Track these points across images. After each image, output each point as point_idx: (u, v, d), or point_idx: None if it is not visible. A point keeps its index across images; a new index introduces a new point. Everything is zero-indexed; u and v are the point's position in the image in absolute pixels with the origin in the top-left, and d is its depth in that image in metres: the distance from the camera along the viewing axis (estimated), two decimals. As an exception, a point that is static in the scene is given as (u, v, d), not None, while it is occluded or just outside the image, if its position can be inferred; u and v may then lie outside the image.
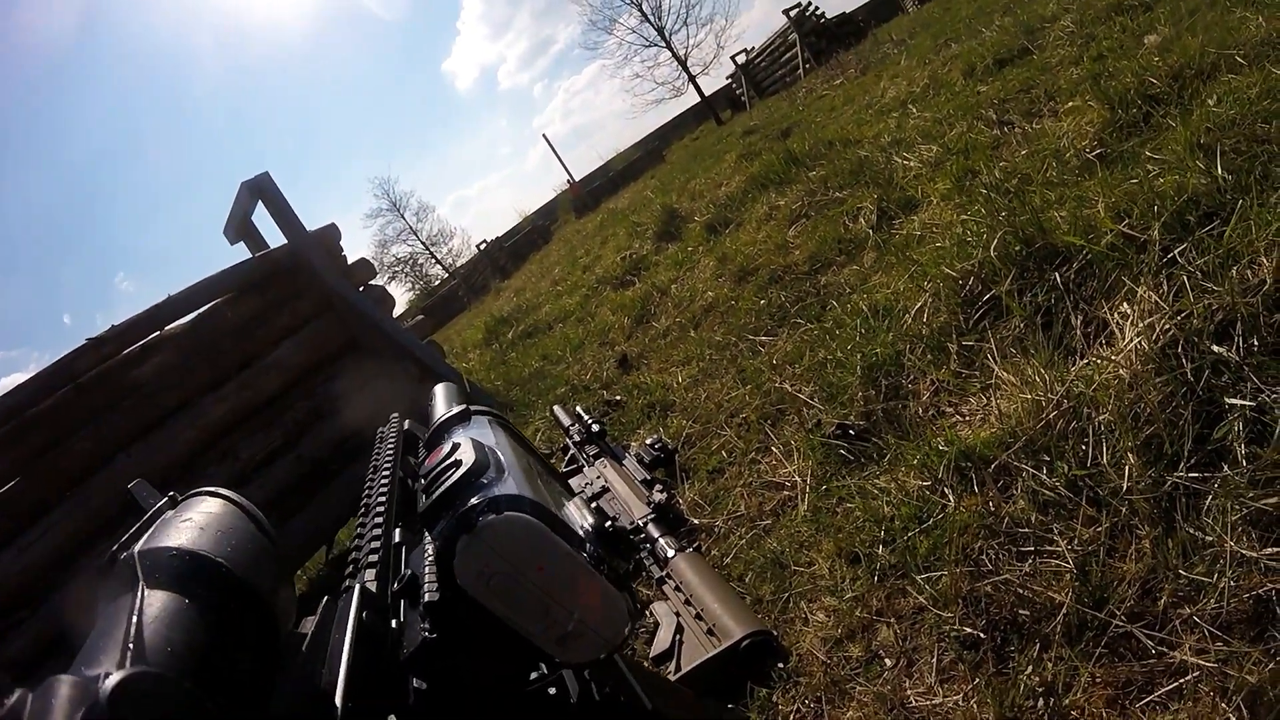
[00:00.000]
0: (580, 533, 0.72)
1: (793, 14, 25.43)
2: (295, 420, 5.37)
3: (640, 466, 2.50)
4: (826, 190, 4.97)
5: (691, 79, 45.25)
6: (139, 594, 0.62)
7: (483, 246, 33.30)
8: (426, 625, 0.69)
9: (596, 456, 2.68)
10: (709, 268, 5.23)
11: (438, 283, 51.29)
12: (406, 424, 1.18)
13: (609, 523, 0.73)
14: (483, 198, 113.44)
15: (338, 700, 0.59)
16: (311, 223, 5.86)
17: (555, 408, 3.31)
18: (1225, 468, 1.58)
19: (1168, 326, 1.85)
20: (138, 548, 0.69)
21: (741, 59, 30.83)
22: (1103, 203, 2.52)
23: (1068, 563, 1.63)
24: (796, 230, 4.71)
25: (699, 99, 44.95)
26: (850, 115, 7.81)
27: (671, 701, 0.89)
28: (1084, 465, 1.77)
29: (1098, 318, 2.15)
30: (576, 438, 2.88)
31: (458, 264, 50.43)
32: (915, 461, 2.07)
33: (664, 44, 45.49)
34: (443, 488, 0.72)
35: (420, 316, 6.76)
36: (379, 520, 0.88)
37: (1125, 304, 2.05)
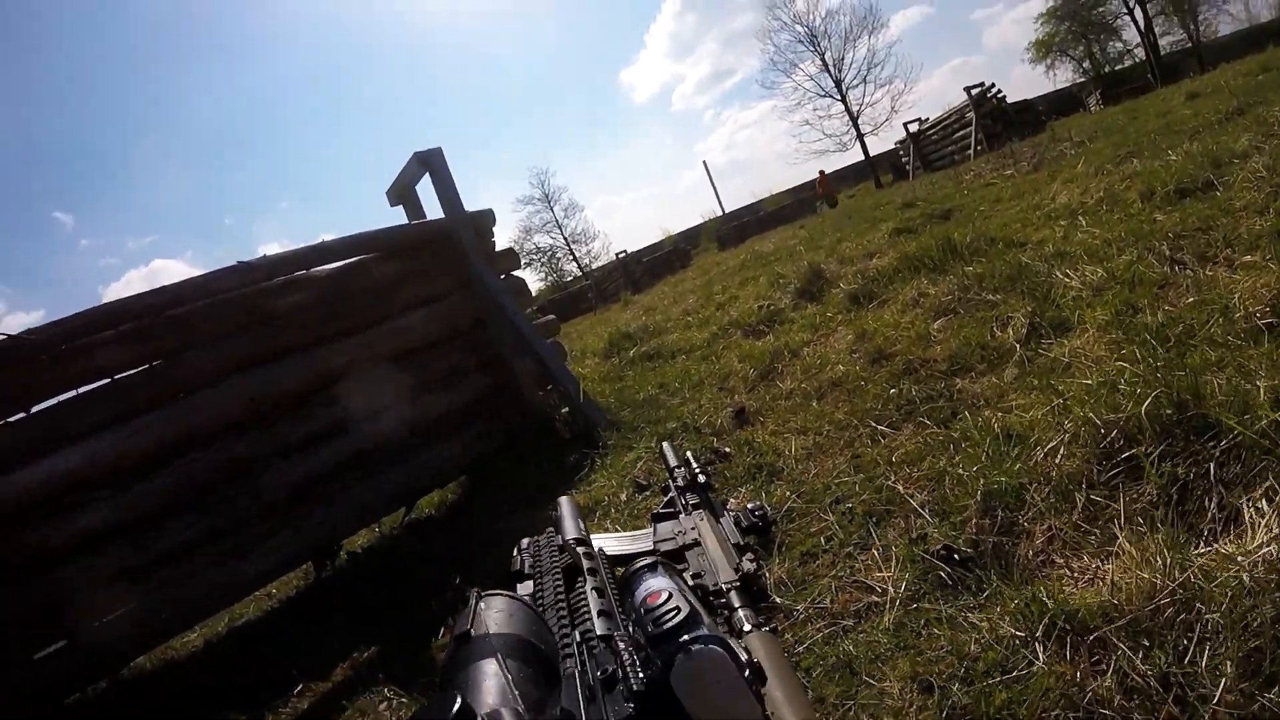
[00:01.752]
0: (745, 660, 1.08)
1: (974, 92, 25.17)
2: (408, 386, 5.60)
3: (736, 529, 2.51)
4: (981, 289, 4.89)
5: (860, 137, 45.39)
6: (503, 664, 1.03)
7: (621, 256, 33.69)
8: (632, 706, 0.98)
9: (695, 506, 2.70)
10: (845, 340, 5.20)
11: (570, 279, 52.33)
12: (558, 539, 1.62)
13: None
14: (631, 208, 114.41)
15: None
16: (462, 195, 6.09)
17: (664, 444, 3.32)
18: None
19: (1303, 536, 1.79)
20: (491, 630, 1.13)
21: (914, 127, 30.64)
22: (1264, 382, 2.43)
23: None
24: (942, 324, 4.65)
25: (863, 158, 44.98)
26: (1016, 213, 7.70)
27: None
28: (1181, 661, 1.72)
29: (1234, 505, 2.08)
30: (680, 482, 2.90)
31: (593, 266, 51.30)
32: (1013, 607, 2.03)
33: (839, 97, 45.91)
34: (670, 624, 1.09)
35: (551, 316, 6.89)
36: (565, 622, 1.27)
37: (1264, 501, 1.99)
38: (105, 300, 4.70)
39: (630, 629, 1.23)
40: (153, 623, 4.61)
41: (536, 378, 6.18)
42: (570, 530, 1.64)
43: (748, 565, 2.13)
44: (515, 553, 1.63)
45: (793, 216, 30.29)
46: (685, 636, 1.05)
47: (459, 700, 0.77)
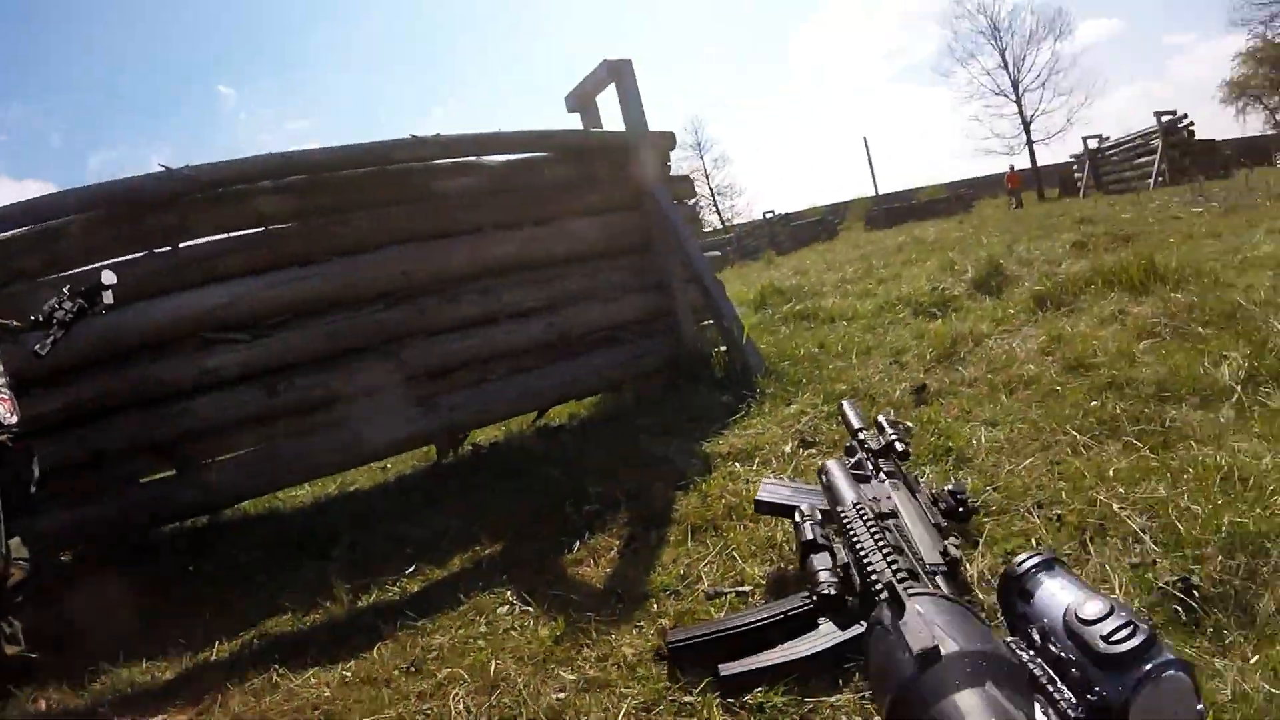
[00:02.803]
0: None
1: (1165, 119, 24.08)
2: (565, 291, 5.60)
3: (934, 509, 2.41)
4: (1189, 320, 4.60)
5: (1030, 143, 43.54)
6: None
7: (769, 215, 33.76)
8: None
9: (890, 475, 2.59)
10: (1035, 341, 4.94)
11: (709, 230, 52.24)
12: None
13: None
14: (779, 171, 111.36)
15: None
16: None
17: (845, 403, 3.24)
18: None
19: None
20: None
21: (1094, 144, 29.46)
22: None
23: None
24: (1147, 347, 4.37)
25: (1029, 165, 43.13)
26: (1212, 251, 7.25)
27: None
28: None
29: None
30: (874, 446, 2.79)
31: (732, 221, 51.01)
32: (1263, 661, 1.88)
33: (1014, 98, 43.98)
34: (1128, 646, 1.02)
35: (715, 252, 6.81)
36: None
37: None
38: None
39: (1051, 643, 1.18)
40: (268, 470, 4.73)
41: (696, 310, 6.10)
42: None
43: (953, 550, 2.03)
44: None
45: (947, 211, 29.56)
46: (1150, 663, 0.99)
47: None
